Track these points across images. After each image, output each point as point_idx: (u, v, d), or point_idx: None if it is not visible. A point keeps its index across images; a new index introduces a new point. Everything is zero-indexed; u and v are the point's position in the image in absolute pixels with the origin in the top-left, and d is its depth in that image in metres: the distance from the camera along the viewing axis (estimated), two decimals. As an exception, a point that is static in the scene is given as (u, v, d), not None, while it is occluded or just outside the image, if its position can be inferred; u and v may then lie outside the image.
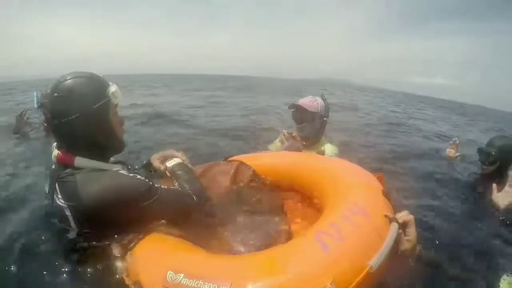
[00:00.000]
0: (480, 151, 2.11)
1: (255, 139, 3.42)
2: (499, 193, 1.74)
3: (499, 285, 1.11)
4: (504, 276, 1.12)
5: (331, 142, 1.99)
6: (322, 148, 1.90)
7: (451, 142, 3.00)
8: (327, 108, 1.92)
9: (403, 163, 3.15)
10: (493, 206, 1.75)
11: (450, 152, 2.90)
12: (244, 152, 1.64)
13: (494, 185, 1.80)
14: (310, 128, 1.90)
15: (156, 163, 1.30)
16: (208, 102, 7.70)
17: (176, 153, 1.31)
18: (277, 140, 2.01)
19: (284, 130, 1.93)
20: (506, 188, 1.70)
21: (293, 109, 1.94)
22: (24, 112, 3.21)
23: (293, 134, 1.89)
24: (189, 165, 1.29)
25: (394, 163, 3.13)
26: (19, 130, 3.10)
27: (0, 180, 1.89)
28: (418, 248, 1.00)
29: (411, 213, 0.98)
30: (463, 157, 2.96)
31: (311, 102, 1.90)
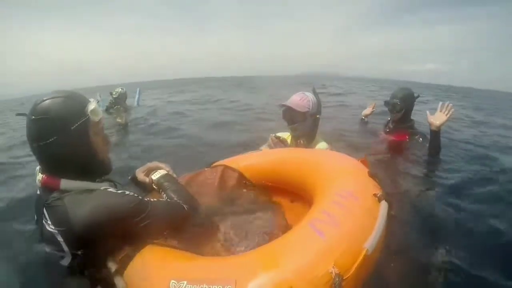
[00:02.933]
0: (387, 103, 2.58)
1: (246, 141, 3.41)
2: (433, 116, 2.19)
3: None
4: None
5: (324, 139, 1.92)
6: (316, 147, 1.84)
7: (369, 103, 3.43)
8: (319, 104, 1.83)
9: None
10: (431, 124, 2.18)
11: (368, 110, 3.34)
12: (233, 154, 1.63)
13: (427, 112, 2.25)
14: (302, 128, 1.82)
15: (140, 176, 1.27)
16: (195, 105, 7.73)
17: (160, 165, 1.28)
18: (266, 144, 1.96)
19: (272, 135, 1.86)
20: (437, 113, 2.18)
21: (283, 109, 1.85)
22: None
23: (281, 138, 1.83)
24: (174, 175, 1.27)
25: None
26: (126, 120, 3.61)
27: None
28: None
29: None
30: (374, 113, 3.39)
31: (301, 100, 1.80)
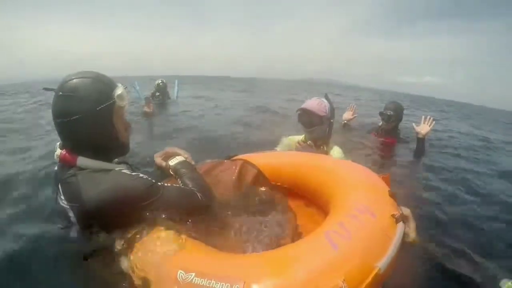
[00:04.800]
0: (382, 113, 3.03)
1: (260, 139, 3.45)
2: (419, 126, 2.68)
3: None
4: (505, 280, 1.10)
5: (337, 145, 1.97)
6: (331, 152, 1.89)
7: (348, 107, 3.57)
8: (332, 109, 1.89)
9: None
10: (418, 133, 2.67)
11: (348, 114, 3.46)
12: (248, 152, 1.64)
13: (413, 123, 2.78)
14: (319, 132, 1.87)
15: (158, 160, 1.28)
16: (206, 103, 7.76)
17: (178, 150, 1.29)
18: (283, 142, 2.01)
19: (283, 137, 1.93)
20: (421, 125, 2.67)
21: (299, 112, 1.90)
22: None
23: (308, 143, 1.88)
24: (192, 163, 1.28)
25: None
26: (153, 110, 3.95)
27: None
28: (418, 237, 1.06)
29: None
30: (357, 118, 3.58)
31: (318, 105, 1.86)
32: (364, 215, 0.91)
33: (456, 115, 10.61)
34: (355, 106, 3.54)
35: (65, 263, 0.96)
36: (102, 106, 0.96)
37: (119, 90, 1.01)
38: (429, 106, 13.01)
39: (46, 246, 1.05)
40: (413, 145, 2.83)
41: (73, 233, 0.96)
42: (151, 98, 5.61)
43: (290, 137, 2.10)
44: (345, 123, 3.42)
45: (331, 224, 0.90)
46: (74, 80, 0.95)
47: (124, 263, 0.89)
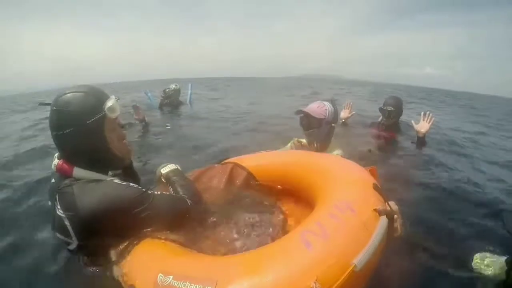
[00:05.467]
0: (382, 109, 3.01)
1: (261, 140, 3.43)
2: (418, 124, 2.66)
3: (474, 263, 1.19)
4: (477, 255, 1.21)
5: (339, 147, 1.94)
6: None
7: (344, 104, 3.55)
8: (335, 113, 1.88)
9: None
10: (418, 132, 2.66)
11: (345, 112, 3.43)
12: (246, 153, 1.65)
13: (412, 121, 2.78)
14: (317, 134, 1.85)
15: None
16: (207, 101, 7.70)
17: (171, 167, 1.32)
18: (288, 145, 2.02)
19: (295, 138, 1.92)
20: (421, 122, 2.65)
21: (300, 115, 1.90)
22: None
23: (302, 143, 1.88)
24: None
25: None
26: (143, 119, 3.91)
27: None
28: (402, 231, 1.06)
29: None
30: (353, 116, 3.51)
31: (318, 108, 1.85)
32: (343, 212, 0.90)
33: (457, 105, 10.46)
34: (351, 103, 3.52)
35: (62, 270, 1.01)
36: (92, 119, 1.00)
37: (109, 103, 1.03)
38: (429, 98, 12.60)
39: (42, 253, 1.11)
40: (414, 139, 2.80)
41: (71, 245, 1.01)
42: (157, 104, 5.77)
43: (299, 139, 2.09)
44: (342, 121, 3.41)
45: (308, 224, 0.89)
46: (68, 95, 1.00)
47: (116, 270, 0.94)
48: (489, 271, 1.16)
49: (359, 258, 0.78)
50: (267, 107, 6.69)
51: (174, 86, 6.22)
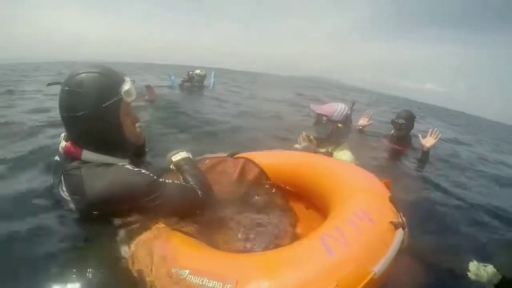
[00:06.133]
0: (394, 122, 3.13)
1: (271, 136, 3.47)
2: (424, 139, 2.80)
3: (469, 270, 1.29)
4: (472, 263, 1.31)
5: (350, 149, 1.98)
6: (338, 154, 1.93)
7: (364, 113, 3.69)
8: (346, 116, 1.93)
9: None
10: (423, 146, 2.78)
11: (363, 120, 3.58)
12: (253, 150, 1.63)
13: (419, 135, 2.91)
14: (320, 131, 1.95)
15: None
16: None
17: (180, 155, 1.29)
18: (300, 138, 2.04)
19: (303, 132, 1.96)
20: (427, 137, 2.79)
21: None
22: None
23: (310, 137, 1.92)
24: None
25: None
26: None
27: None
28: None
29: None
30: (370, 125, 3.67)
31: (328, 106, 1.94)
32: (362, 221, 0.90)
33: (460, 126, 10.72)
34: (371, 112, 3.65)
35: (63, 246, 0.96)
36: (108, 102, 0.95)
37: (126, 86, 0.99)
38: (435, 115, 13.05)
39: (45, 228, 1.05)
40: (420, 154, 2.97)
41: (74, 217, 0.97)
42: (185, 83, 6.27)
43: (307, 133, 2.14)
44: (360, 128, 3.51)
45: (328, 228, 0.89)
46: (81, 75, 0.95)
47: (124, 252, 0.90)
48: (484, 277, 1.26)
49: (379, 266, 0.78)
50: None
51: (199, 71, 6.69)
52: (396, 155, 3.15)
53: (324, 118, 1.92)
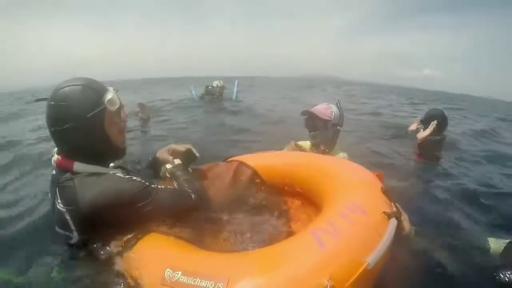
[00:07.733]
0: (425, 121, 3.32)
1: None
2: (419, 133, 3.18)
3: (489, 246, 1.40)
4: (488, 238, 1.43)
5: (343, 150, 1.92)
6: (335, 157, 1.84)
7: (416, 119, 3.87)
8: (341, 116, 1.86)
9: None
10: (416, 139, 3.20)
11: (413, 126, 3.77)
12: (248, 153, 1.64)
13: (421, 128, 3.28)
14: (322, 136, 1.83)
15: (164, 155, 1.30)
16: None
17: (181, 146, 1.32)
18: (285, 149, 1.96)
19: (292, 142, 1.88)
20: (426, 130, 3.10)
21: (305, 116, 1.88)
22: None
23: (301, 147, 1.85)
24: (197, 154, 1.32)
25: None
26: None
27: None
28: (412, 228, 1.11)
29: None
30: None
31: (325, 109, 1.84)
32: (354, 213, 0.90)
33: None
34: (421, 117, 3.70)
35: (62, 265, 0.97)
36: (92, 112, 0.96)
37: (109, 95, 1.01)
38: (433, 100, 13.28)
39: (43, 246, 1.07)
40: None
41: (73, 240, 0.98)
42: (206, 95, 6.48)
43: (298, 142, 2.04)
44: (406, 131, 3.92)
45: (319, 223, 0.89)
46: (65, 89, 0.96)
47: (119, 264, 0.90)
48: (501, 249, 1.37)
49: (372, 257, 0.78)
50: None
51: (218, 82, 6.80)
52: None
53: (329, 123, 1.81)
